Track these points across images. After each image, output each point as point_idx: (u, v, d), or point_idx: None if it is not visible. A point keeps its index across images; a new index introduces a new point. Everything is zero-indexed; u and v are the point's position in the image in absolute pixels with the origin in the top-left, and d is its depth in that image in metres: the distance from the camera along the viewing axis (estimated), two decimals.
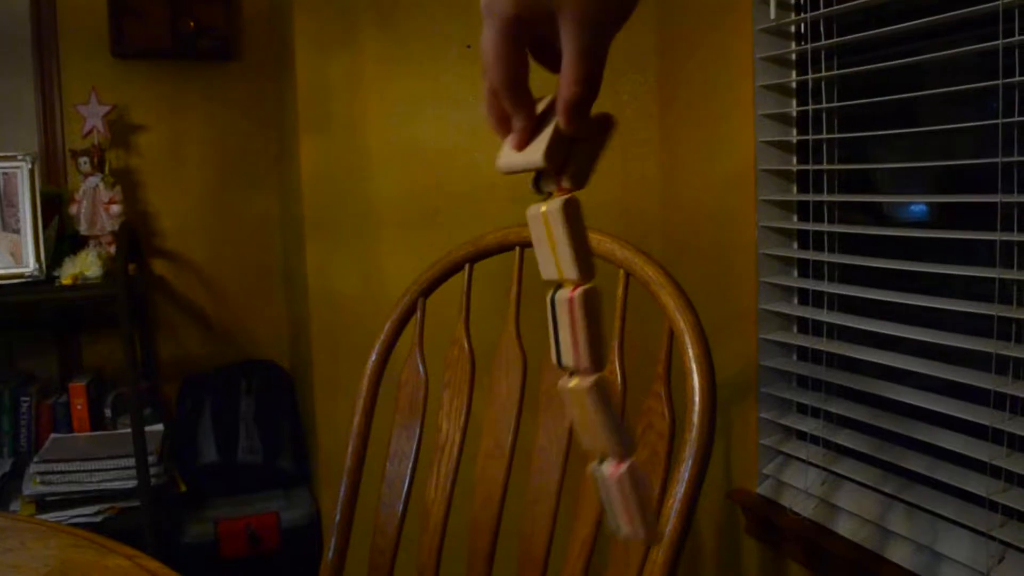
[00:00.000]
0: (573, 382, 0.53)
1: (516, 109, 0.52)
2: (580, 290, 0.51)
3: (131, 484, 1.73)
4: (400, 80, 1.89)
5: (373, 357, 1.16)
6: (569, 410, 0.54)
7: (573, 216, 0.51)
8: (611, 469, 0.53)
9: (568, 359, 0.53)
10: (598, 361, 0.52)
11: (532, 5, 0.48)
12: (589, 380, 0.51)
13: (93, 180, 1.96)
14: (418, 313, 1.16)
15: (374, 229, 1.90)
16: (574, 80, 0.49)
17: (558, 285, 0.53)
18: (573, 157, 0.52)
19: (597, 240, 1.00)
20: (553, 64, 0.52)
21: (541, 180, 0.54)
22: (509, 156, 0.53)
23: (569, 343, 0.52)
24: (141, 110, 2.15)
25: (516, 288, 1.08)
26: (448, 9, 1.90)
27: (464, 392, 1.11)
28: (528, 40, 0.51)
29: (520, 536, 1.03)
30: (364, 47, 1.87)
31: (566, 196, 0.51)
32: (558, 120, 0.51)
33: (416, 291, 1.16)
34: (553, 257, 0.52)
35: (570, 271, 0.52)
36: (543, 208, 0.52)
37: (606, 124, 0.53)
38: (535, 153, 0.51)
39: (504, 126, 0.53)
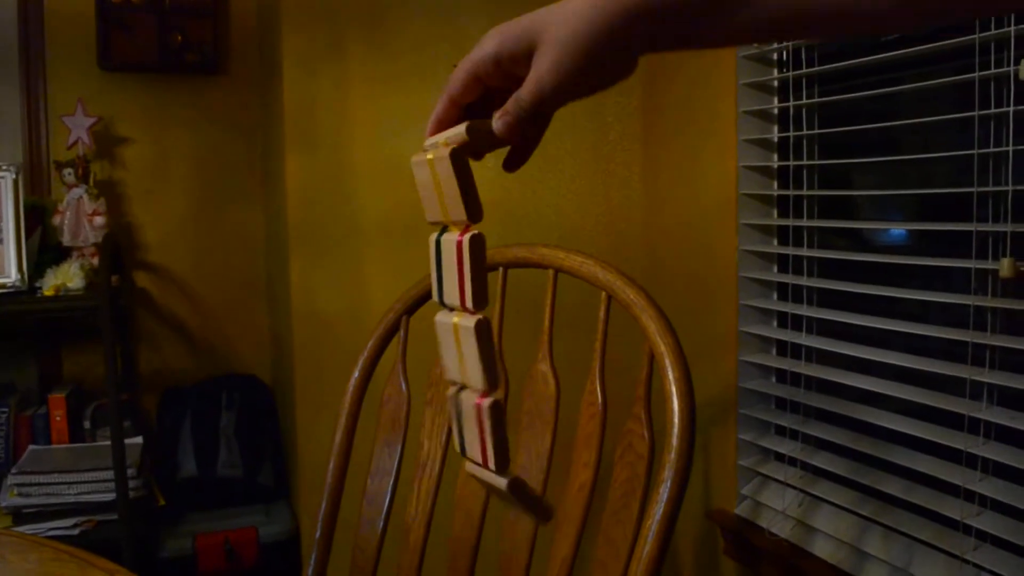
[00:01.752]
0: (456, 318, 0.57)
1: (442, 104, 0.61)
2: (468, 234, 0.56)
3: (109, 497, 1.72)
4: (386, 97, 1.90)
5: (356, 374, 1.17)
6: (444, 344, 0.59)
7: (461, 164, 0.55)
8: (475, 399, 0.57)
9: (452, 298, 0.57)
10: (482, 300, 0.56)
11: (513, 44, 0.56)
12: (474, 319, 0.56)
13: (77, 191, 1.96)
14: (401, 331, 1.17)
15: (358, 245, 1.91)
16: (533, 88, 0.55)
17: (443, 228, 0.58)
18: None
19: (580, 263, 1.02)
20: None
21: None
22: (439, 134, 0.60)
23: (455, 283, 0.57)
24: (127, 122, 2.15)
25: (499, 308, 1.09)
26: (435, 28, 1.91)
27: (446, 410, 1.12)
28: (492, 74, 0.58)
29: (500, 555, 1.03)
30: (351, 64, 1.88)
31: (453, 146, 0.56)
32: (494, 118, 0.56)
33: (400, 309, 1.17)
34: (439, 201, 0.57)
35: (458, 214, 0.56)
36: (429, 156, 0.57)
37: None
38: (460, 129, 0.57)
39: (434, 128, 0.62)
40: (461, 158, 0.55)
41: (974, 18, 1.15)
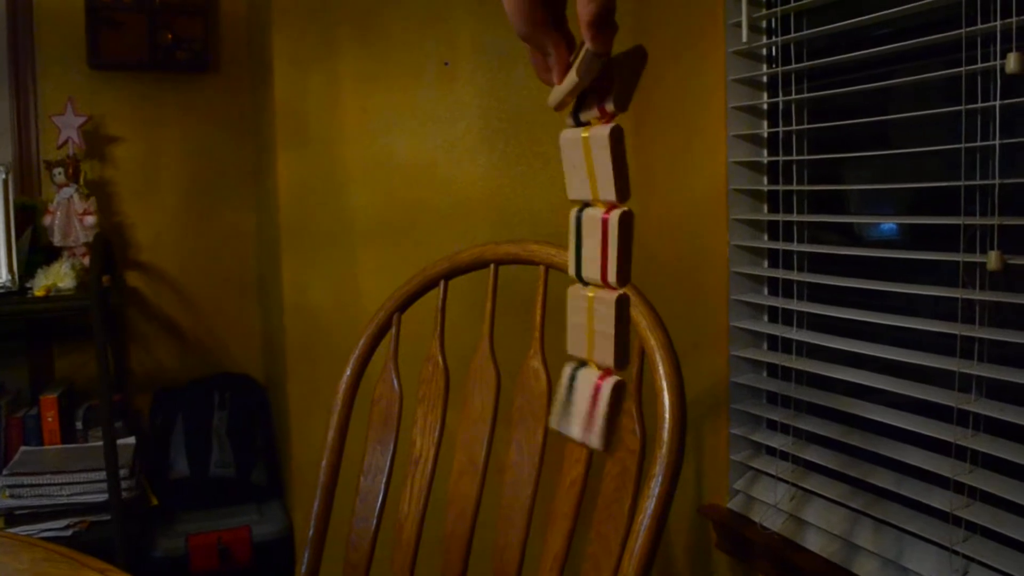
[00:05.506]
0: (593, 292, 0.56)
1: (544, 49, 0.57)
2: (618, 211, 0.55)
3: (102, 498, 1.72)
4: (377, 95, 1.90)
5: (348, 372, 1.17)
6: (575, 317, 0.57)
7: (617, 142, 0.54)
8: (595, 378, 0.55)
9: (592, 273, 0.56)
10: (625, 279, 0.55)
11: None
12: (614, 294, 0.54)
13: (68, 191, 1.96)
14: (393, 329, 1.17)
15: (350, 244, 1.91)
16: None
17: (585, 204, 0.57)
18: (614, 83, 0.55)
19: None
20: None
21: (581, 110, 0.57)
22: (554, 91, 0.57)
23: (597, 259, 0.55)
24: (117, 121, 2.14)
25: (490, 305, 1.09)
26: (426, 26, 1.91)
27: (438, 408, 1.12)
28: None
29: (493, 551, 1.04)
30: (342, 62, 1.88)
31: (612, 124, 0.54)
32: (586, 43, 0.54)
33: (391, 307, 1.17)
34: (589, 180, 0.56)
35: (609, 194, 0.55)
36: (584, 134, 0.55)
37: (639, 53, 0.57)
38: (571, 75, 0.55)
39: (545, 74, 0.57)
40: (619, 134, 0.54)
41: None
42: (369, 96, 1.90)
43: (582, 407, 0.56)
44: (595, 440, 0.55)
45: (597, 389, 0.55)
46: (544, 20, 0.55)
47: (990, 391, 1.28)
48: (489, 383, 1.08)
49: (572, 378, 0.57)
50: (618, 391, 0.55)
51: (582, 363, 0.57)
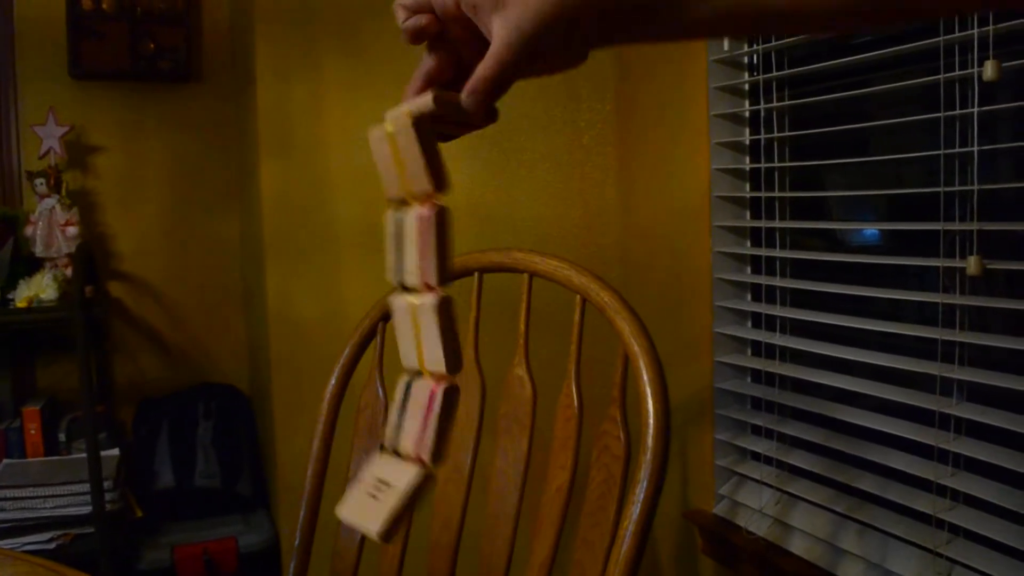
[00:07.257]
0: (415, 299, 0.53)
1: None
2: (435, 208, 0.52)
3: (86, 510, 1.71)
4: (361, 105, 1.90)
5: (332, 381, 1.17)
6: (402, 326, 0.54)
7: (425, 130, 0.52)
8: (429, 387, 0.53)
9: (413, 277, 0.53)
10: (445, 279, 0.52)
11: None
12: (435, 297, 0.52)
13: (49, 202, 1.95)
14: (378, 337, 1.17)
15: (334, 252, 1.90)
16: (493, 63, 0.53)
17: (403, 203, 0.54)
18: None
19: (555, 266, 1.02)
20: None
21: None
22: (406, 104, 0.56)
23: (416, 261, 0.53)
24: (99, 131, 2.13)
25: (475, 313, 1.10)
26: None
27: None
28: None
29: (479, 558, 1.04)
30: (325, 71, 1.88)
31: (415, 116, 0.52)
32: (463, 95, 0.54)
33: (376, 315, 1.17)
34: (399, 173, 0.53)
35: (423, 184, 0.52)
36: (388, 129, 0.54)
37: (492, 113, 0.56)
38: (427, 100, 0.54)
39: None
40: (426, 126, 0.52)
41: (938, 16, 1.15)
42: (353, 105, 1.90)
43: (415, 420, 0.54)
44: (425, 454, 0.53)
45: (431, 396, 0.53)
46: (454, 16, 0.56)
47: (971, 394, 1.30)
48: (474, 391, 1.08)
49: (407, 390, 0.55)
50: (449, 396, 0.53)
51: (417, 374, 0.55)
